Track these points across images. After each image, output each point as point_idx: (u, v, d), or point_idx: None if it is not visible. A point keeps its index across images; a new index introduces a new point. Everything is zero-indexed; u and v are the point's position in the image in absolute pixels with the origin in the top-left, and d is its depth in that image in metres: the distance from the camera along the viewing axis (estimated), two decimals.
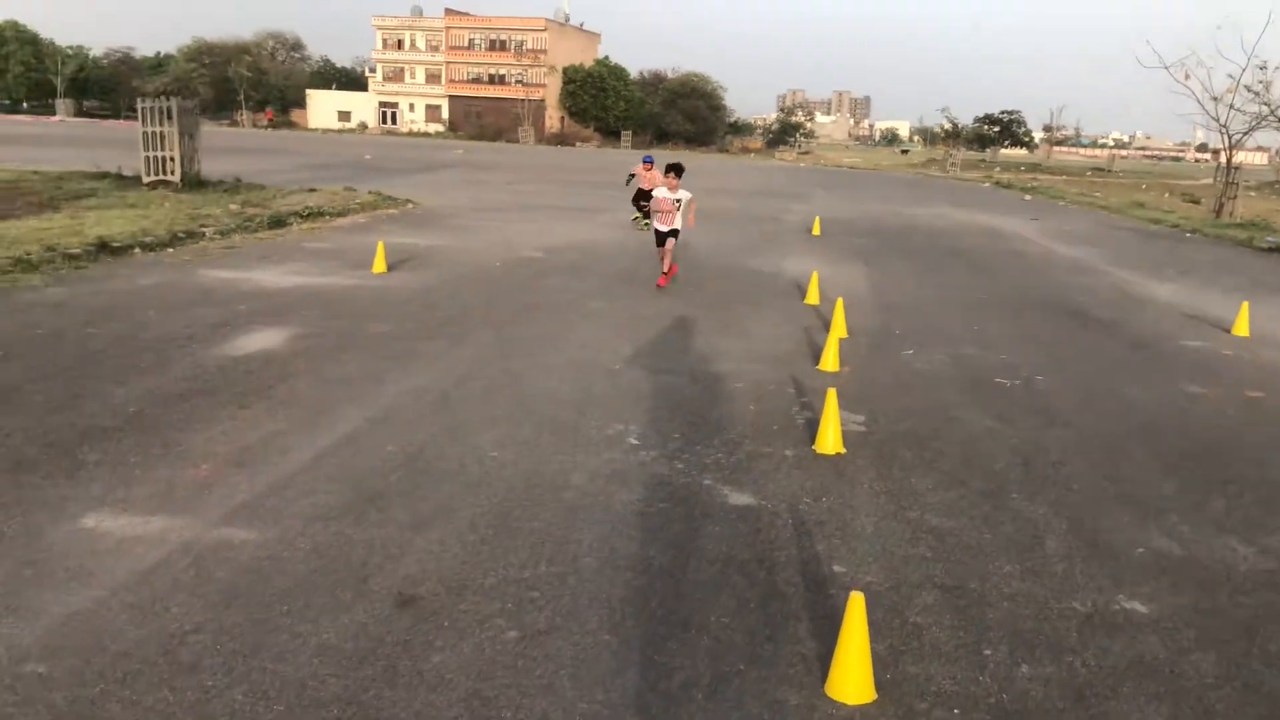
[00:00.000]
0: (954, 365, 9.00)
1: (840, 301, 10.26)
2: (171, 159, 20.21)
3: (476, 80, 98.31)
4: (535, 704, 3.48)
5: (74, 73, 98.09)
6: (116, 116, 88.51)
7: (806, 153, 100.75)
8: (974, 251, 18.99)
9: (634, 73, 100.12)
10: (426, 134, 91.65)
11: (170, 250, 13.33)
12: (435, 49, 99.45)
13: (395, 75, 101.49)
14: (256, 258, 13.21)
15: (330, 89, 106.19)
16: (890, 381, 8.32)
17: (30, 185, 19.75)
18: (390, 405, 6.84)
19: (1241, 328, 11.45)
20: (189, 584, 4.18)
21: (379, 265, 12.47)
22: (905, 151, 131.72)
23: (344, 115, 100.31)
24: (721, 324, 10.37)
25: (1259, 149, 70.69)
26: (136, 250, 12.89)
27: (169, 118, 19.90)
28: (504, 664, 3.71)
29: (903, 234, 21.94)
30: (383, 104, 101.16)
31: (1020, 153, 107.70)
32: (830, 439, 6.38)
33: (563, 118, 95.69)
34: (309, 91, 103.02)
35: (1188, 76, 32.57)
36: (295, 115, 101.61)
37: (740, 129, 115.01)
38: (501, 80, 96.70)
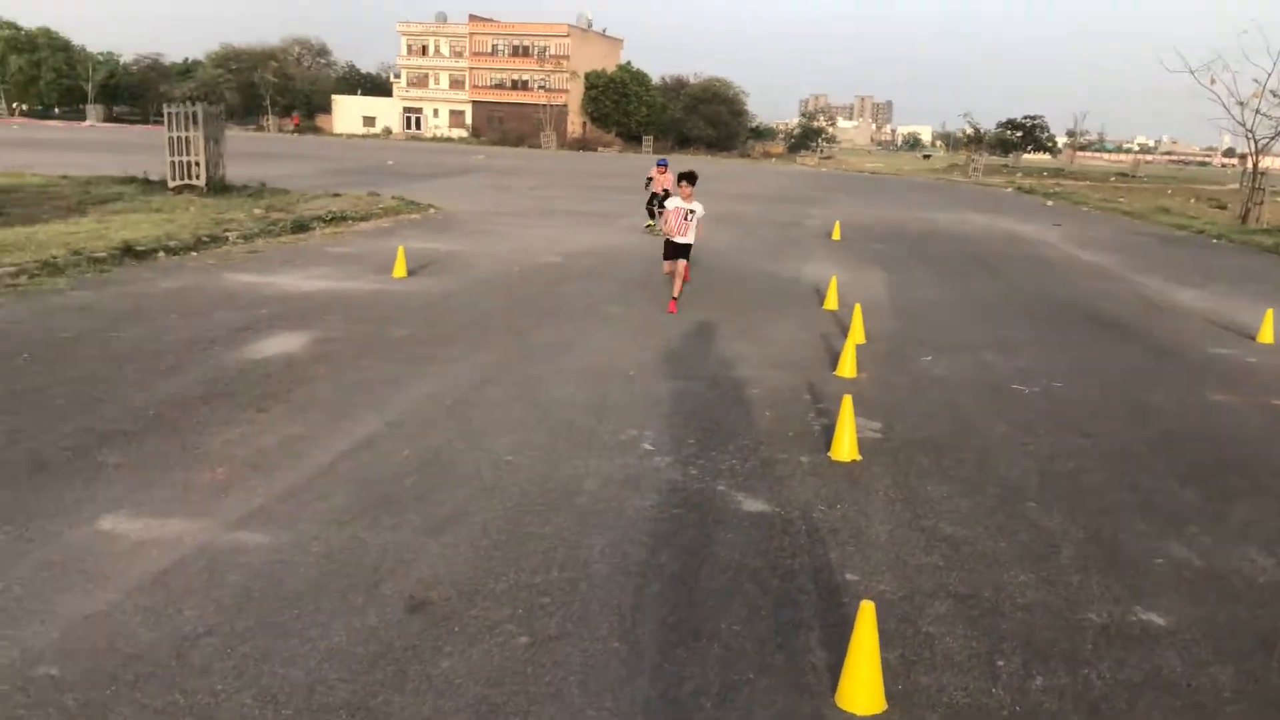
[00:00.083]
0: (972, 372, 8.95)
1: (858, 307, 10.22)
2: (197, 164, 20.39)
3: (499, 86, 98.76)
4: (543, 710, 3.48)
5: (104, 79, 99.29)
6: (145, 121, 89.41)
7: (828, 158, 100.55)
8: (995, 257, 18.87)
9: (656, 78, 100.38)
10: (450, 139, 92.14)
11: (194, 254, 13.45)
12: (459, 55, 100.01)
13: (419, 81, 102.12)
14: (279, 262, 13.31)
15: (355, 94, 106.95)
16: (908, 388, 8.28)
17: (59, 190, 19.99)
18: (407, 409, 6.87)
19: (1267, 335, 11.32)
20: (202, 587, 4.21)
21: (400, 270, 12.54)
22: (927, 156, 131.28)
23: (369, 120, 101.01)
24: (739, 329, 10.35)
25: None
26: (160, 254, 13.02)
27: (194, 123, 20.08)
28: (513, 670, 3.71)
29: (923, 239, 21.83)
30: (407, 109, 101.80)
31: (1043, 158, 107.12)
32: (846, 446, 6.36)
33: (585, 123, 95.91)
34: (334, 97, 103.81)
35: (1213, 81, 32.28)
36: (321, 120, 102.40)
37: (762, 134, 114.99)
38: (524, 86, 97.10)
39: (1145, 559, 5.02)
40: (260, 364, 7.87)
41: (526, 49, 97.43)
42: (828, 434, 6.71)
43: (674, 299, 11.24)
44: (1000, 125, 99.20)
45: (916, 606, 4.38)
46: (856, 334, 9.69)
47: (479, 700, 3.52)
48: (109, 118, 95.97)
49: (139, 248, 12.85)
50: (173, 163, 20.39)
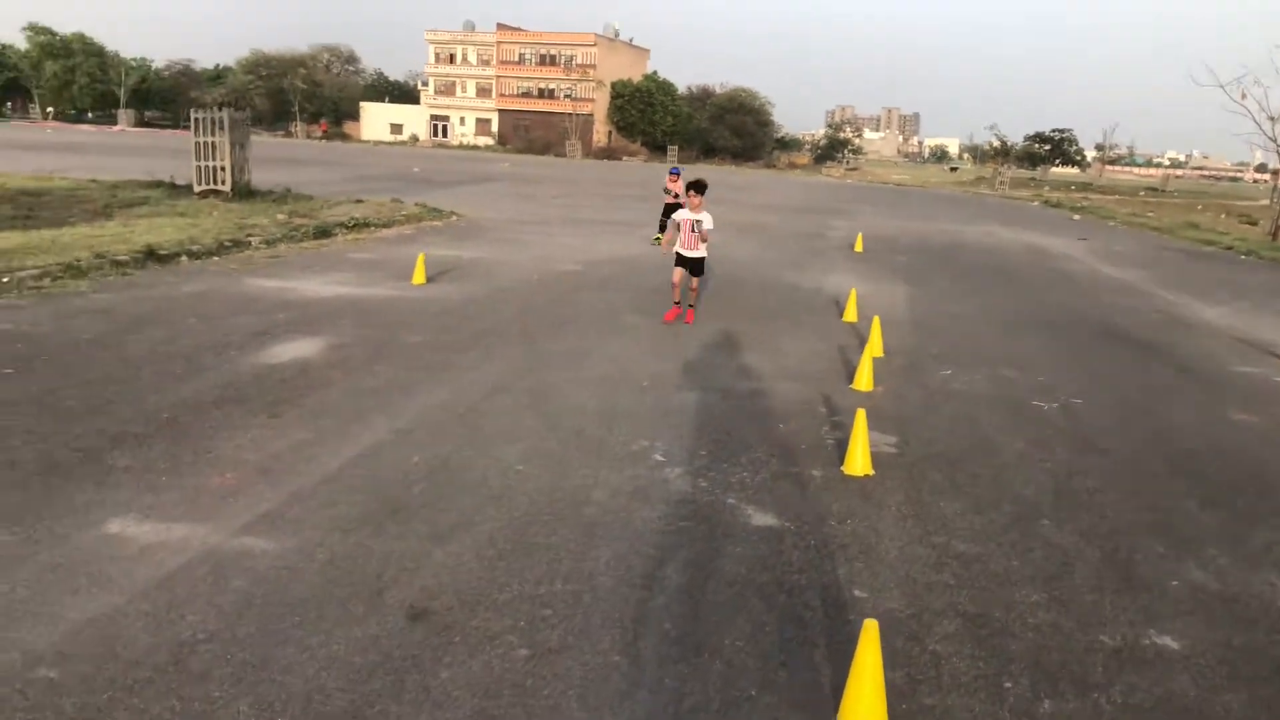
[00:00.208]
0: (991, 387, 8.85)
1: (876, 320, 10.14)
2: (222, 168, 20.56)
3: (526, 94, 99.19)
4: None
5: (136, 84, 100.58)
6: (176, 126, 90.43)
7: (854, 169, 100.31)
8: (1018, 271, 18.72)
9: (682, 88, 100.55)
10: (476, 147, 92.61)
11: (216, 259, 13.53)
12: (486, 63, 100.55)
13: (447, 89, 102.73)
14: (300, 267, 13.37)
15: (383, 102, 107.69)
16: (924, 402, 8.19)
17: (87, 193, 20.22)
18: (419, 416, 6.86)
19: None
20: (206, 592, 4.20)
21: (419, 277, 12.57)
22: (954, 169, 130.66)
23: (396, 128, 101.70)
24: (756, 340, 10.29)
25: None
26: (183, 258, 13.11)
27: (220, 128, 20.26)
28: (512, 682, 3.68)
29: (946, 252, 21.69)
30: (434, 117, 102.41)
31: (1072, 171, 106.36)
32: (859, 460, 6.29)
33: (610, 132, 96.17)
34: (362, 104, 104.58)
35: (1244, 96, 31.93)
36: (348, 127, 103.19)
37: (788, 144, 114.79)
38: (550, 95, 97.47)
39: (1161, 581, 4.93)
40: (275, 369, 7.89)
41: (553, 58, 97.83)
42: (841, 447, 6.64)
43: (675, 305, 11.10)
44: (1028, 138, 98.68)
45: (924, 625, 4.32)
46: (874, 347, 9.62)
47: (476, 713, 3.49)
48: (140, 122, 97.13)
49: (162, 251, 12.95)
50: (199, 167, 20.57)
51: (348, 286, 11.99)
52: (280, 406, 6.90)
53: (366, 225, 18.33)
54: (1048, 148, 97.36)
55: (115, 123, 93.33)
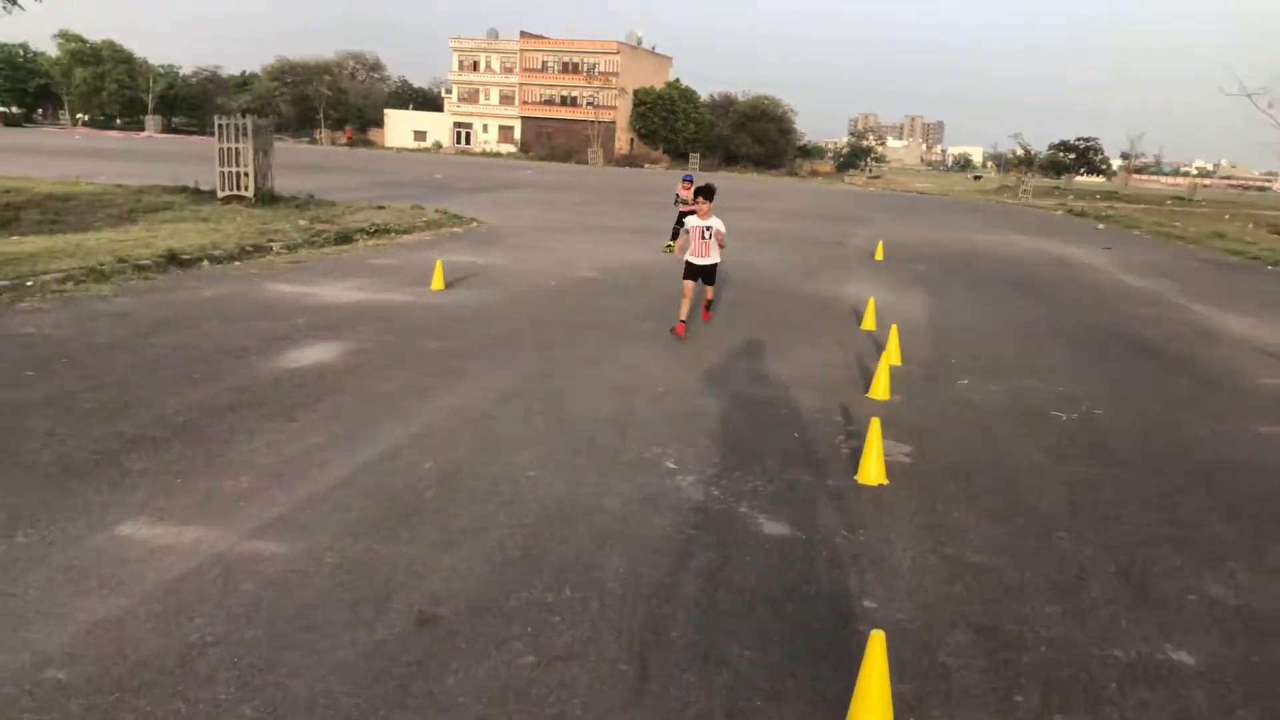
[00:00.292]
0: (1010, 397, 8.78)
1: (894, 328, 10.09)
2: (245, 174, 20.74)
3: (549, 102, 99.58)
4: None
5: (164, 90, 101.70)
6: (203, 133, 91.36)
7: (876, 177, 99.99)
8: (1040, 281, 18.58)
9: (705, 95, 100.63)
10: (498, 154, 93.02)
11: (237, 263, 13.64)
12: (509, 71, 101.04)
13: (470, 96, 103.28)
14: (320, 273, 13.45)
15: (407, 109, 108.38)
16: (941, 412, 8.13)
17: (112, 198, 20.43)
18: (432, 422, 6.87)
19: None
20: (215, 595, 4.22)
21: (437, 282, 12.61)
22: (978, 177, 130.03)
23: (420, 135, 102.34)
24: (773, 348, 10.26)
25: None
26: (205, 263, 13.22)
27: (244, 135, 20.43)
28: (516, 689, 3.67)
29: (967, 261, 21.57)
30: (457, 124, 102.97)
31: (1097, 180, 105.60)
32: (873, 470, 6.25)
33: (632, 139, 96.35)
34: (387, 111, 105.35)
35: (1271, 104, 31.61)
36: (373, 134, 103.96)
37: (810, 152, 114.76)
38: (573, 102, 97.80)
39: (1178, 595, 4.86)
40: (292, 374, 7.93)
41: (576, 65, 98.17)
42: (856, 457, 6.60)
43: (683, 322, 10.49)
44: (1053, 147, 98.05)
45: (935, 637, 4.28)
46: (892, 356, 9.57)
47: (480, 719, 3.48)
48: (167, 128, 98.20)
49: (184, 256, 13.06)
50: (222, 173, 20.76)
51: (366, 292, 12.04)
52: (296, 411, 6.93)
53: (387, 231, 18.43)
54: (1073, 156, 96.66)
55: (143, 129, 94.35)
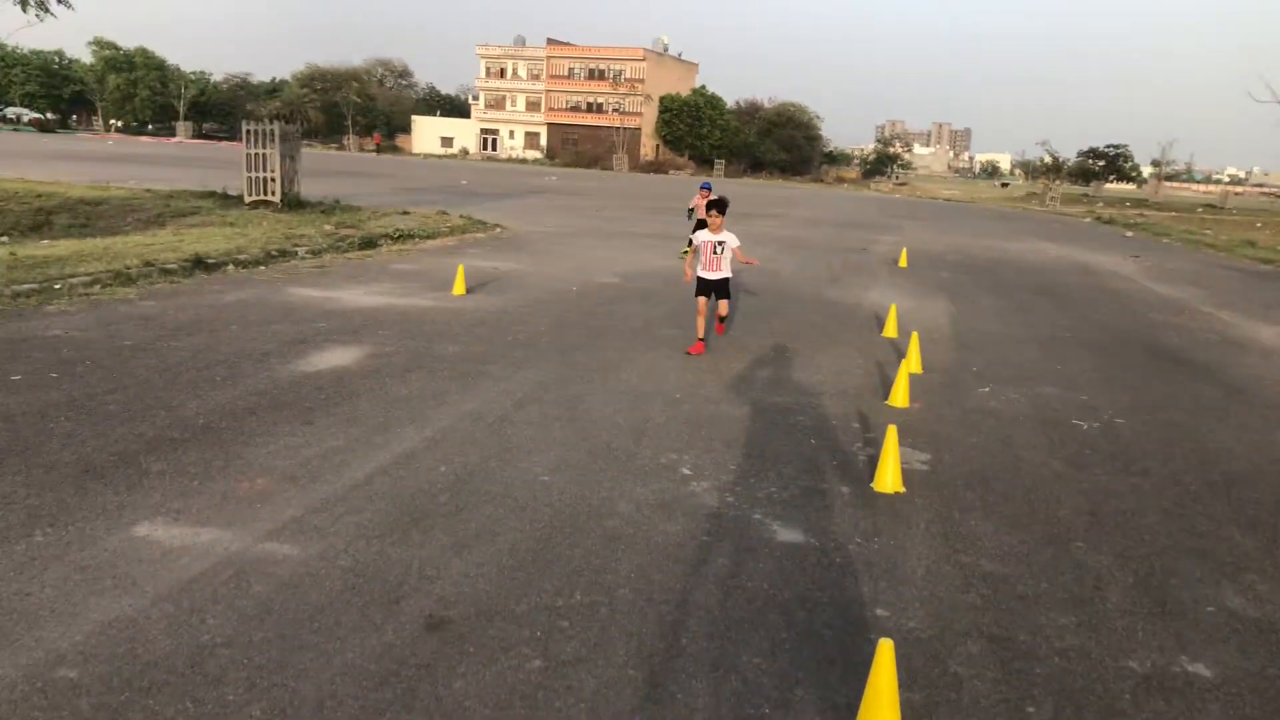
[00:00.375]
0: (1030, 405, 8.70)
1: (915, 336, 10.04)
2: (272, 179, 20.94)
3: (575, 108, 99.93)
4: None
5: (195, 97, 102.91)
6: (233, 138, 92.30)
7: (903, 184, 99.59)
8: (1065, 288, 18.42)
9: (731, 102, 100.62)
10: (524, 160, 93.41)
11: (262, 268, 13.76)
12: (536, 77, 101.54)
13: (497, 103, 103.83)
14: (343, 277, 13.55)
15: (435, 115, 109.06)
16: (961, 420, 8.07)
17: (142, 203, 20.68)
18: (449, 426, 6.90)
19: None
20: (227, 597, 4.24)
21: (459, 287, 12.67)
22: (1005, 185, 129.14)
23: (446, 141, 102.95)
24: (793, 355, 10.22)
25: None
26: (230, 267, 13.35)
27: (271, 140, 20.63)
28: (523, 694, 3.67)
29: (992, 268, 21.42)
30: (484, 130, 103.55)
31: (1127, 188, 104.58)
32: (889, 477, 6.21)
33: (658, 146, 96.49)
34: (414, 117, 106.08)
35: None
36: (400, 140, 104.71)
37: (836, 158, 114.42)
38: (599, 109, 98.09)
39: (1196, 607, 4.79)
40: (311, 377, 7.99)
41: (602, 72, 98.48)
42: (873, 464, 6.56)
43: (700, 340, 10.07)
44: (1082, 154, 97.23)
45: (947, 646, 4.24)
46: (912, 363, 9.51)
47: None
48: (198, 134, 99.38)
49: (209, 260, 13.20)
50: (249, 178, 20.97)
51: (388, 296, 12.12)
52: (314, 414, 6.97)
53: (411, 237, 18.54)
54: (1102, 163, 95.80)
55: (174, 134, 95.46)
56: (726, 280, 10.09)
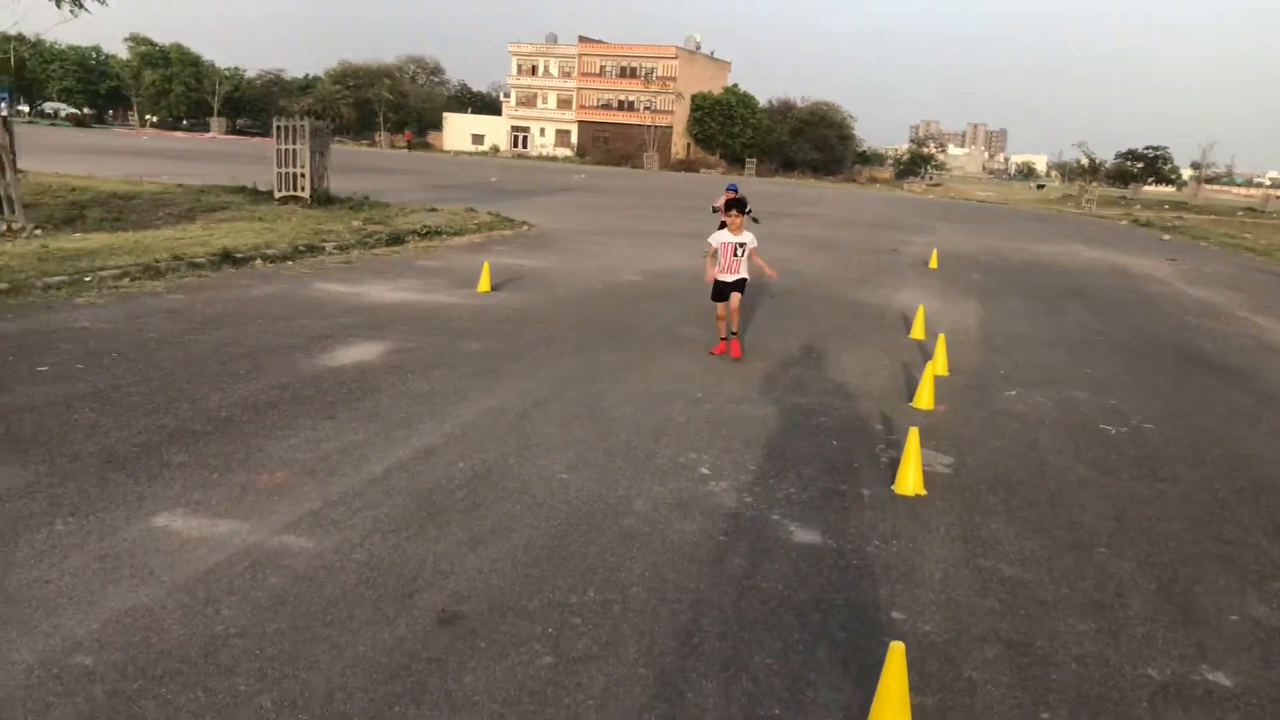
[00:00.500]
0: (1058, 409, 8.59)
1: (942, 337, 9.95)
2: (302, 175, 21.09)
3: (606, 106, 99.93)
4: None
5: (229, 92, 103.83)
6: (265, 134, 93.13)
7: (936, 185, 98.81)
8: (1098, 291, 18.19)
9: (763, 101, 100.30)
10: (554, 158, 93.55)
11: (289, 263, 13.86)
12: (567, 75, 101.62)
13: (528, 100, 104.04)
14: (369, 273, 13.62)
15: (466, 113, 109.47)
16: (985, 423, 7.99)
17: (173, 197, 20.90)
18: (468, 422, 6.91)
19: None
20: (242, 588, 4.27)
21: (483, 285, 12.70)
22: (1041, 186, 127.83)
23: (477, 138, 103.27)
24: (818, 356, 10.16)
25: None
26: (258, 261, 13.46)
27: (301, 136, 20.78)
28: (533, 690, 3.66)
29: (1024, 271, 21.20)
30: (515, 128, 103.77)
31: (1166, 190, 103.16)
32: (910, 480, 6.15)
33: (689, 144, 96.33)
34: (445, 114, 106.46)
35: None
36: (432, 137, 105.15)
37: (869, 159, 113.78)
38: (630, 106, 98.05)
39: (1219, 615, 4.71)
40: (334, 371, 8.03)
41: (634, 70, 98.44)
42: (894, 466, 6.50)
43: (723, 340, 9.88)
44: (1120, 155, 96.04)
45: (963, 650, 4.19)
46: (938, 365, 9.43)
47: (493, 718, 3.47)
48: (231, 130, 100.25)
49: (237, 255, 13.31)
50: (279, 174, 21.13)
51: (413, 293, 12.17)
52: (335, 408, 7.01)
53: (438, 233, 18.61)
54: (1140, 165, 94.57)
55: (208, 130, 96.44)
56: (744, 281, 9.79)
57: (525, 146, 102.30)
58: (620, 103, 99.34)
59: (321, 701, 3.49)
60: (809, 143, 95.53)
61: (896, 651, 3.38)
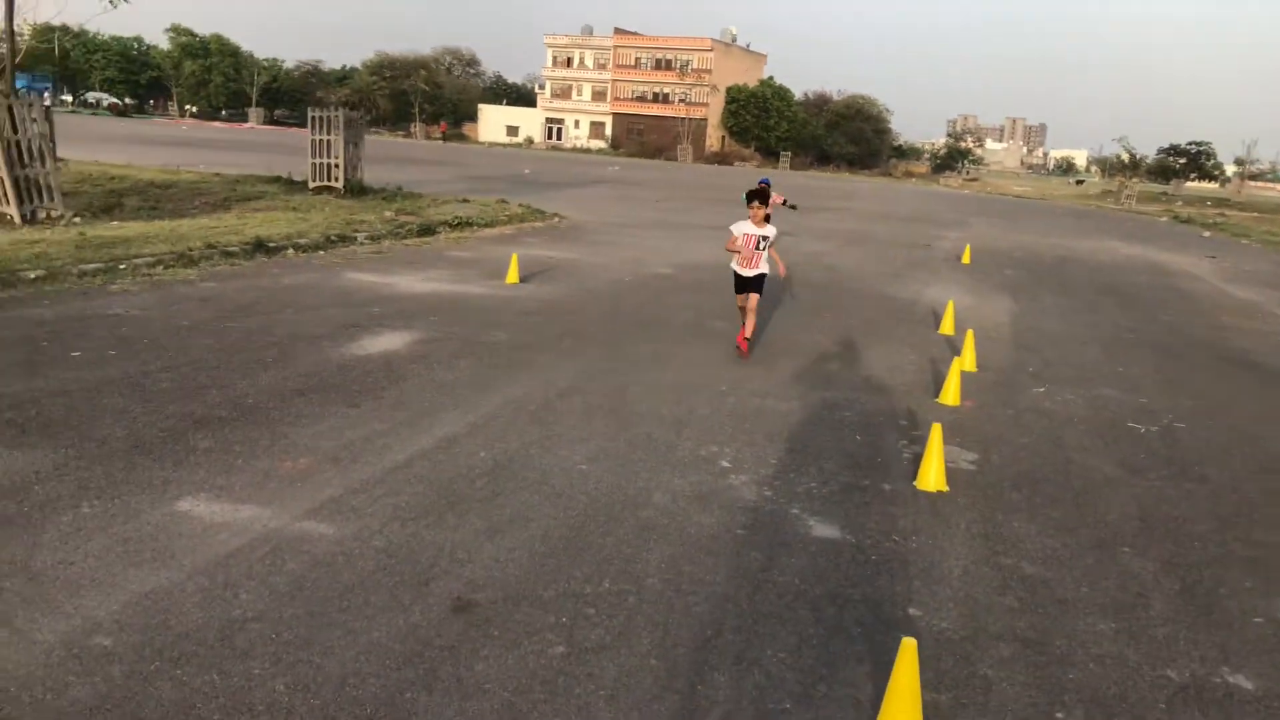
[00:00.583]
0: (1087, 407, 8.49)
1: (970, 333, 9.86)
2: (336, 165, 21.25)
3: (640, 98, 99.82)
4: None
5: (267, 83, 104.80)
6: (302, 124, 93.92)
7: (974, 179, 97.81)
8: (1134, 289, 17.94)
9: (799, 94, 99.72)
10: (588, 150, 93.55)
11: (321, 252, 13.99)
12: (603, 67, 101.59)
13: (563, 92, 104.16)
14: (400, 263, 13.71)
15: (501, 104, 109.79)
16: (1012, 420, 7.91)
17: (209, 186, 21.15)
18: (492, 412, 6.94)
19: None
20: (261, 573, 4.32)
21: (512, 276, 12.74)
22: (1080, 182, 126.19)
23: (512, 130, 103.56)
24: (845, 350, 10.11)
25: None
26: (290, 251, 13.58)
27: (335, 127, 20.93)
28: (544, 679, 3.67)
29: (1058, 267, 20.94)
30: (549, 120, 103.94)
31: (1209, 186, 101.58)
32: (933, 476, 6.11)
33: (723, 137, 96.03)
34: (481, 106, 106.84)
35: None
36: (467, 129, 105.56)
37: (905, 153, 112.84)
38: (665, 99, 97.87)
39: (1243, 617, 4.64)
40: (361, 360, 8.09)
41: (669, 62, 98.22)
42: (917, 462, 6.45)
43: (744, 339, 9.48)
44: (1161, 151, 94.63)
45: (979, 647, 4.15)
46: (966, 361, 9.34)
47: (504, 706, 3.49)
48: (269, 120, 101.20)
49: (270, 244, 13.45)
50: (314, 164, 21.31)
51: (442, 284, 12.23)
52: (360, 397, 7.07)
53: (469, 224, 18.69)
54: (1183, 161, 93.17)
55: (246, 120, 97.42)
56: (763, 276, 9.45)
57: (559, 139, 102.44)
58: (655, 95, 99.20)
59: (334, 686, 3.53)
60: (844, 136, 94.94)
61: (908, 647, 3.36)
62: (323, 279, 11.87)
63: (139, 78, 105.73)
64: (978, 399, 8.46)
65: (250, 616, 3.95)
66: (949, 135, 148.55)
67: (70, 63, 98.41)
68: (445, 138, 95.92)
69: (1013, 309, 14.08)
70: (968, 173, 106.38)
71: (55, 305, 9.27)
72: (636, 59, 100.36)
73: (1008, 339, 11.56)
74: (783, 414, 7.54)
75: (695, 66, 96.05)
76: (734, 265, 9.52)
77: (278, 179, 23.07)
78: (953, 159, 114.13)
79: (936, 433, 6.18)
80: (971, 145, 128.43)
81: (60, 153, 15.28)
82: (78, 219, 14.36)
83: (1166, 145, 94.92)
